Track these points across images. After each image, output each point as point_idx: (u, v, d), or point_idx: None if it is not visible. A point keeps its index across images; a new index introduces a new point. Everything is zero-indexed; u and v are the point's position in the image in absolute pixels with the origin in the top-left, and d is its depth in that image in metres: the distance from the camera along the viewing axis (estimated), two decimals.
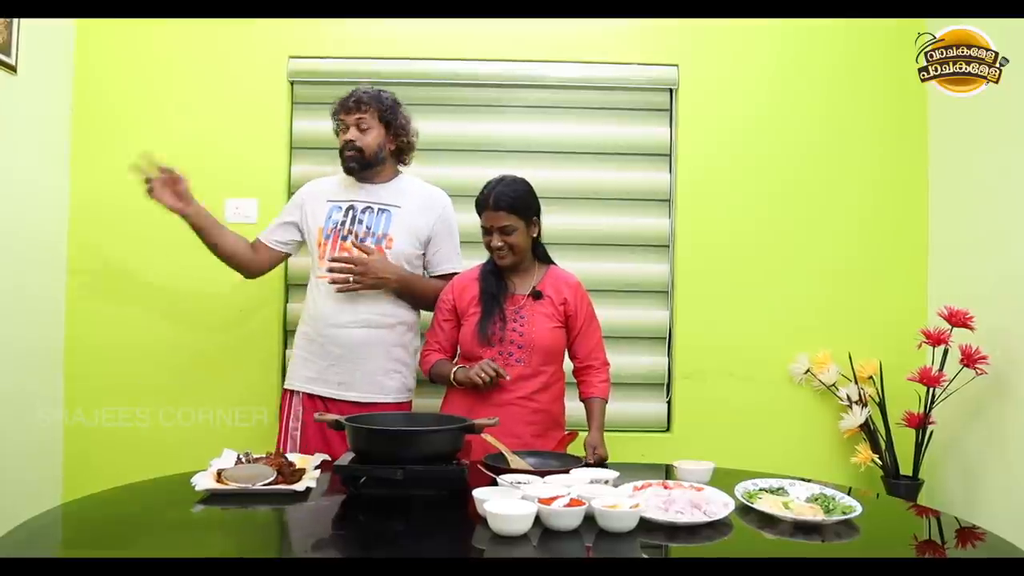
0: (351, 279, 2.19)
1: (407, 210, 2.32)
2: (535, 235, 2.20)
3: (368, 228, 2.29)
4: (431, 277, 2.37)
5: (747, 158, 2.88)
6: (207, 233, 2.28)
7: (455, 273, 2.34)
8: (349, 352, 2.24)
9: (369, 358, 2.25)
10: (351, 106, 2.28)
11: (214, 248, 2.31)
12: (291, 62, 2.83)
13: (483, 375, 2.06)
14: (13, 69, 2.43)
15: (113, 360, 2.76)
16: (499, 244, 2.14)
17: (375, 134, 2.29)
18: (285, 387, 2.36)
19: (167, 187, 2.21)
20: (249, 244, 2.38)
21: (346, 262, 2.19)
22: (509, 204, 2.13)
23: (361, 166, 2.29)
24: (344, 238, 2.28)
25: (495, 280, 2.20)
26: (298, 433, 2.27)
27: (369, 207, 2.32)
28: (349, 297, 2.23)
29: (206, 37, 2.80)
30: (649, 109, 2.92)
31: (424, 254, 2.35)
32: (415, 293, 2.31)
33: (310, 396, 2.28)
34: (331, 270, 2.20)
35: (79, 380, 2.75)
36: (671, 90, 2.91)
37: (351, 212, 2.31)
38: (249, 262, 2.37)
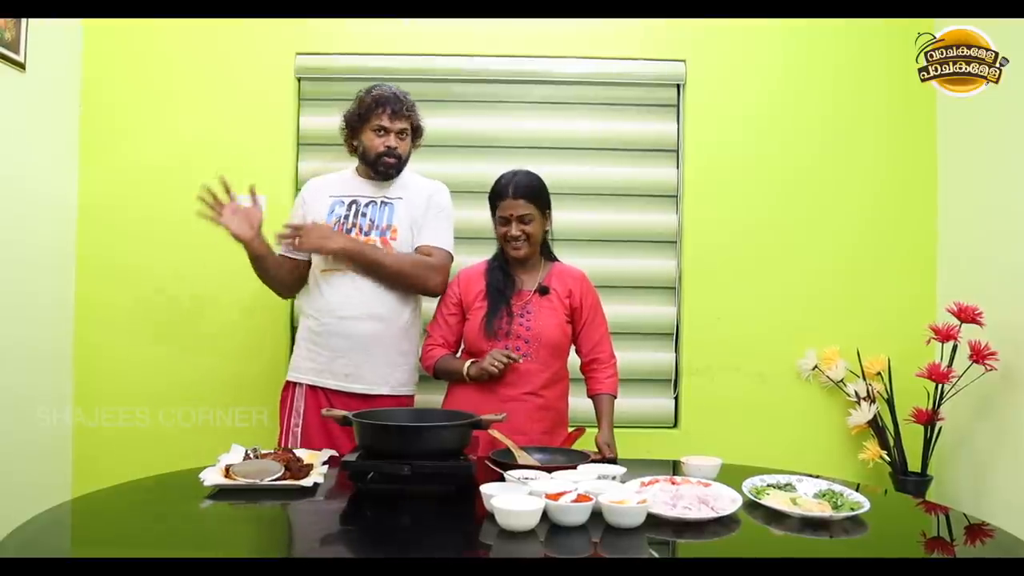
0: (295, 242, 2.22)
1: (409, 201, 2.33)
2: (547, 229, 2.20)
3: (372, 221, 2.30)
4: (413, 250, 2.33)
5: (755, 154, 2.87)
6: (263, 261, 2.28)
7: (434, 248, 2.28)
8: (356, 344, 2.24)
9: (376, 350, 2.25)
10: (399, 112, 2.28)
11: (264, 274, 2.31)
12: (298, 58, 2.83)
13: (496, 364, 2.06)
14: (22, 66, 2.44)
15: (122, 361, 2.76)
16: (517, 233, 2.14)
17: (408, 140, 2.34)
18: (288, 379, 2.34)
19: (238, 215, 2.21)
20: (288, 270, 2.36)
21: (294, 228, 2.22)
22: (529, 192, 2.14)
23: (397, 172, 2.33)
24: (348, 231, 2.28)
25: (502, 275, 2.20)
26: (299, 429, 2.25)
27: (373, 201, 2.33)
28: (356, 290, 2.23)
29: (213, 34, 2.81)
30: (656, 105, 2.91)
31: None
32: (368, 262, 2.23)
33: (313, 389, 2.28)
34: (282, 235, 2.22)
35: (88, 381, 2.75)
36: (678, 86, 2.89)
37: (354, 206, 2.32)
38: (289, 287, 2.39)
